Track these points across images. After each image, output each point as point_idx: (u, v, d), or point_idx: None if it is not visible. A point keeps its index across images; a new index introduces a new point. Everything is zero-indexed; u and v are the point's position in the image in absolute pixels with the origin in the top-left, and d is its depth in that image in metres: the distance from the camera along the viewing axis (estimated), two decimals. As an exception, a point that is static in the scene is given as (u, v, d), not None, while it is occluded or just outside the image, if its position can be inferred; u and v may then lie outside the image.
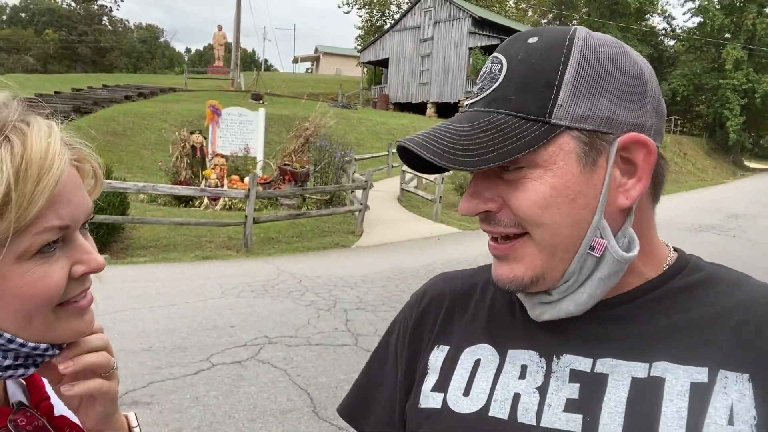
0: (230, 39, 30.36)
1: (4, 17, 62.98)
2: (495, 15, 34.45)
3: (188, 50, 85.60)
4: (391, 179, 16.40)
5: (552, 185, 0.58)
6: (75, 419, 0.70)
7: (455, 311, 0.75)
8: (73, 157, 0.60)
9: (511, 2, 47.70)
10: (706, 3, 37.93)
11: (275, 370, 4.20)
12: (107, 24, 60.90)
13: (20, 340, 0.57)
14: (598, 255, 0.60)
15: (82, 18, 57.98)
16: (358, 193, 11.19)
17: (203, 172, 11.72)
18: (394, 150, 16.23)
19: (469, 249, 9.50)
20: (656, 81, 0.64)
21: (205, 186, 11.07)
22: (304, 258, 8.65)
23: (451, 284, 0.79)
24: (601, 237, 0.60)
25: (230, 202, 10.99)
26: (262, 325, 5.19)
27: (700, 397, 0.55)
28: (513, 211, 0.60)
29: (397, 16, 37.33)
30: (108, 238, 8.47)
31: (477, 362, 0.69)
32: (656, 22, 49.43)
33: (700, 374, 0.57)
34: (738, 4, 37.90)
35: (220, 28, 31.46)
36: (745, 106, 37.36)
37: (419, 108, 31.26)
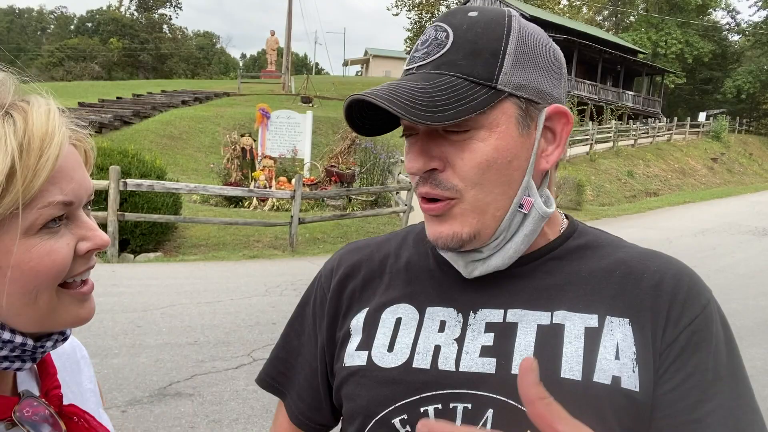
0: (282, 44, 31.04)
1: (72, 27, 66.69)
2: (546, 13, 33.75)
3: (243, 56, 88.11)
4: (438, 180, 16.33)
5: (495, 147, 0.64)
6: (85, 408, 0.70)
7: (373, 277, 0.79)
8: (74, 137, 0.62)
9: (563, 0, 46.59)
10: (774, -5, 35.89)
11: (313, 366, 4.27)
12: (167, 32, 63.42)
13: (7, 335, 0.58)
14: (526, 212, 0.68)
15: (144, 27, 60.66)
16: (403, 194, 11.21)
17: (252, 174, 12.02)
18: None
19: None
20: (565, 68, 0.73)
21: (254, 187, 11.35)
22: (348, 258, 8.73)
23: (366, 251, 0.83)
24: (529, 195, 0.68)
25: (278, 203, 11.23)
26: (303, 322, 5.27)
27: (592, 338, 0.65)
28: (456, 170, 0.65)
29: (446, 17, 37.19)
30: (161, 237, 8.82)
31: (398, 320, 0.73)
32: (719, 16, 47.17)
33: (592, 320, 0.66)
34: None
35: (272, 33, 32.16)
36: (818, 102, 35.12)
37: (468, 109, 30.99)
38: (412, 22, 45.47)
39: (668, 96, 40.20)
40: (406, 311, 0.74)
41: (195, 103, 22.70)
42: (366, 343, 0.74)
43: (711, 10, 42.92)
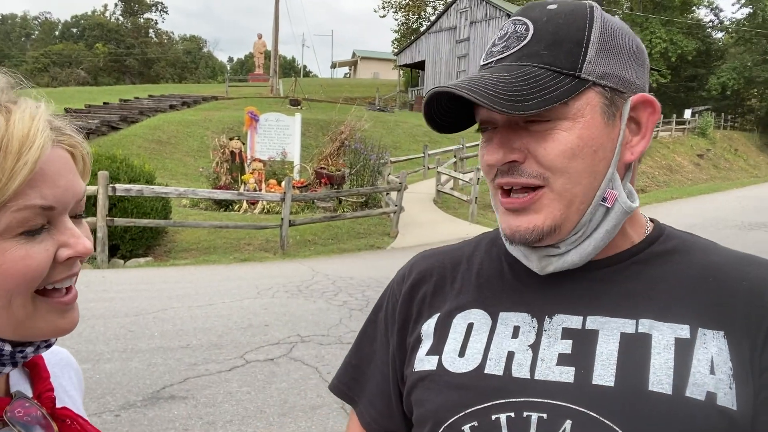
0: (270, 47, 31.00)
1: (56, 33, 66.15)
2: (533, 13, 33.98)
3: (230, 59, 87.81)
4: (427, 181, 16.38)
5: (579, 136, 0.62)
6: (78, 411, 0.70)
7: (444, 283, 0.78)
8: (66, 142, 0.60)
9: None
10: (757, -8, 36.40)
11: (306, 367, 4.29)
12: (153, 36, 63.15)
13: None
14: (609, 206, 0.65)
15: (130, 31, 60.31)
16: (393, 195, 11.25)
17: (242, 177, 12.01)
18: (430, 150, 16.01)
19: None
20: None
21: (244, 190, 11.34)
22: (338, 259, 8.76)
23: (438, 259, 0.82)
24: (613, 188, 0.65)
25: (268, 206, 11.23)
26: (295, 324, 5.29)
27: (684, 350, 0.61)
28: (539, 160, 0.63)
29: (432, 18, 37.29)
30: (151, 242, 8.80)
31: (470, 326, 0.71)
32: (703, 14, 47.72)
33: (683, 331, 0.62)
34: (791, -8, 36.22)
35: (260, 36, 32.12)
36: (800, 98, 35.62)
37: (456, 109, 31.11)
38: (400, 23, 45.58)
39: (654, 94, 40.44)
40: (478, 316, 0.72)
41: (183, 107, 22.60)
42: (437, 348, 0.72)
43: (694, 7, 43.41)
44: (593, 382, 0.61)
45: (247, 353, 4.52)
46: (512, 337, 0.68)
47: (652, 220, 0.75)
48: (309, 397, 3.80)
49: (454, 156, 17.04)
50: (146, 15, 63.53)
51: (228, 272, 7.64)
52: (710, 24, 45.71)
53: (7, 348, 0.59)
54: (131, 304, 5.70)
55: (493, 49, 0.67)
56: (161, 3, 63.49)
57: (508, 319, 0.69)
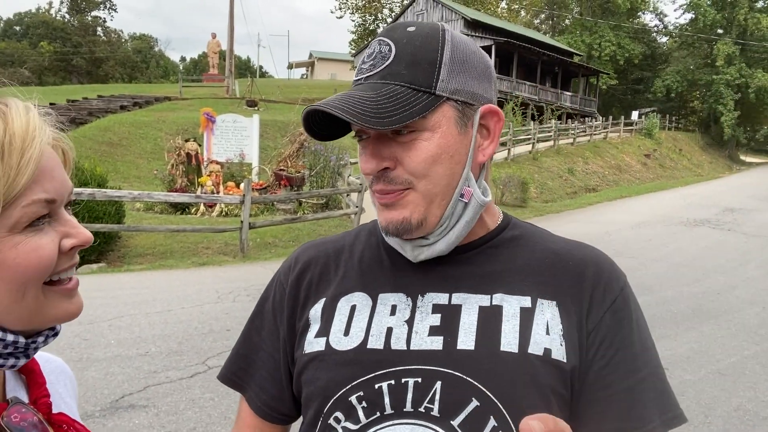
0: (224, 47, 30.46)
1: (-2, 31, 63.12)
2: (487, 16, 34.58)
3: (183, 59, 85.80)
4: (387, 182, 16.44)
5: (438, 145, 0.72)
6: (75, 416, 0.70)
7: (329, 270, 0.85)
8: (52, 137, 0.63)
9: (503, 4, 47.84)
10: (697, 0, 38.08)
11: (271, 371, 4.24)
12: (101, 35, 61.00)
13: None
14: (466, 201, 0.76)
15: (76, 29, 58.08)
16: (354, 196, 11.24)
17: (199, 180, 11.76)
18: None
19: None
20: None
21: (201, 193, 11.11)
22: (300, 262, 8.68)
23: (321, 248, 0.89)
24: (468, 186, 0.76)
25: (226, 209, 11.03)
26: (258, 328, 5.22)
27: (527, 317, 0.74)
28: (406, 167, 0.73)
29: (389, 20, 37.43)
30: (104, 247, 8.51)
31: (353, 307, 0.80)
32: (648, 19, 49.59)
33: (526, 302, 0.76)
34: (729, 0, 38.05)
35: (214, 36, 31.54)
36: (738, 101, 37.47)
37: (414, 111, 31.33)
38: (356, 24, 45.57)
39: (603, 96, 41.94)
40: (360, 299, 0.80)
41: (134, 108, 21.96)
42: (324, 330, 0.79)
43: (640, 13, 45.11)
44: (458, 348, 0.72)
45: (209, 359, 4.43)
46: (390, 315, 0.77)
47: (503, 212, 0.88)
48: (274, 401, 3.76)
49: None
50: (94, 13, 61.32)
51: (186, 277, 7.47)
52: (655, 29, 47.59)
53: (21, 340, 0.61)
54: (85, 311, 5.38)
55: (362, 66, 0.75)
56: (110, 1, 61.46)
57: (387, 300, 0.79)
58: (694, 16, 40.03)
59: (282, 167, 12.34)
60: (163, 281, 7.16)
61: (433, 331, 0.74)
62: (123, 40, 65.83)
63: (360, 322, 0.77)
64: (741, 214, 15.33)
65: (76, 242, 0.62)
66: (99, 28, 61.23)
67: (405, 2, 37.22)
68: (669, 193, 21.09)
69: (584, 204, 17.07)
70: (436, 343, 0.73)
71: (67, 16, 60.20)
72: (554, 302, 0.76)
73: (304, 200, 11.74)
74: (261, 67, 72.87)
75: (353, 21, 46.13)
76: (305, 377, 0.78)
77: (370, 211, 11.76)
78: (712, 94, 38.08)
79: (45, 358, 0.77)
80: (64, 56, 55.36)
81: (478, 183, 0.78)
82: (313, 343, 0.79)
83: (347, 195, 11.83)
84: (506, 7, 48.53)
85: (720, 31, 38.73)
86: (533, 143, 21.80)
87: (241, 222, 8.90)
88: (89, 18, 60.63)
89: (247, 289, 6.69)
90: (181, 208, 11.14)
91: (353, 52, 41.02)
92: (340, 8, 44.42)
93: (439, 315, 0.75)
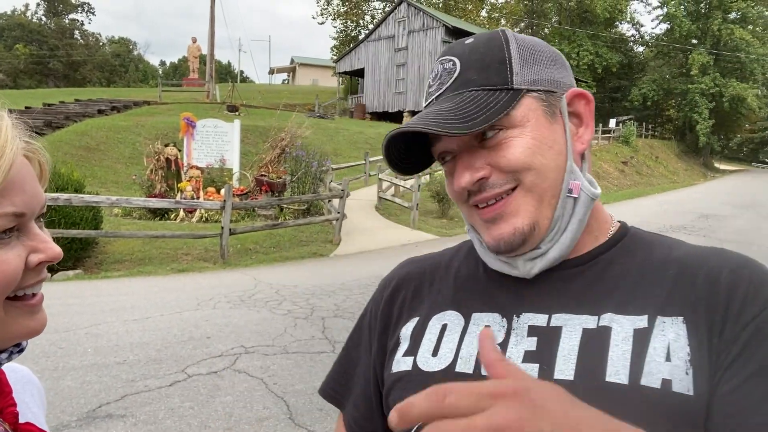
0: (205, 51, 30.24)
1: (-28, 33, 61.80)
2: (468, 24, 34.90)
3: (162, 63, 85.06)
4: (369, 188, 16.44)
5: (533, 137, 0.67)
6: (41, 425, 0.69)
7: (423, 288, 0.81)
8: (26, 149, 0.61)
9: (483, 12, 48.35)
10: (673, 10, 38.90)
11: (252, 379, 4.19)
12: (79, 38, 60.09)
13: None
14: (576, 196, 0.69)
15: (53, 32, 57.13)
16: (336, 202, 11.21)
17: (178, 185, 11.63)
18: (371, 157, 16.04)
19: (446, 255, 9.57)
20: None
21: (181, 198, 10.98)
22: (281, 268, 8.63)
23: (417, 265, 0.86)
24: (575, 179, 0.69)
25: (206, 214, 10.92)
26: (239, 335, 5.17)
27: (641, 340, 0.62)
28: (503, 168, 0.67)
29: (371, 27, 37.58)
30: (81, 253, 8.35)
31: (444, 326, 0.74)
32: (625, 29, 50.52)
33: (642, 321, 0.63)
34: (703, 11, 38.94)
35: (194, 40, 31.28)
36: (713, 109, 38.28)
37: (396, 117, 31.44)
38: (338, 30, 45.64)
39: (582, 103, 42.33)
40: (452, 318, 0.75)
41: (113, 112, 21.68)
42: (412, 350, 0.75)
43: (617, 23, 45.89)
44: (554, 377, 0.63)
45: (188, 367, 4.37)
46: None
47: (619, 221, 0.78)
48: (255, 409, 3.72)
49: (395, 163, 17.18)
50: (71, 15, 60.38)
51: (165, 284, 7.36)
52: (632, 38, 48.49)
53: None
54: (61, 319, 5.38)
55: (429, 90, 0.72)
56: (87, 3, 60.60)
57: (480, 320, 0.72)
58: (670, 26, 40.86)
59: (263, 173, 12.27)
60: (141, 288, 7.05)
61: (528, 357, 0.66)
62: (101, 44, 64.94)
63: (450, 342, 0.72)
64: (715, 220, 15.63)
65: (43, 258, 0.60)
66: (76, 31, 60.31)
67: (387, 9, 37.42)
68: (646, 199, 21.43)
69: (564, 210, 17.25)
70: (531, 371, 0.64)
71: (43, 18, 59.23)
72: (680, 318, 0.62)
73: (285, 206, 11.67)
74: (242, 72, 72.53)
75: (335, 27, 46.25)
76: (392, 398, 0.75)
77: (352, 217, 11.75)
78: (687, 102, 38.86)
79: (11, 367, 0.75)
80: (40, 59, 54.41)
81: (584, 176, 0.71)
82: (400, 362, 0.75)
83: (329, 201, 11.80)
84: (486, 15, 49.06)
85: (695, 41, 39.60)
86: (514, 150, 22.01)
87: (222, 228, 8.82)
88: (66, 21, 59.70)
89: (227, 295, 6.62)
90: (160, 214, 11.00)
91: (335, 57, 41.03)
92: (322, 14, 44.47)
93: (535, 339, 0.67)
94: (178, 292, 6.80)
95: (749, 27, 37.98)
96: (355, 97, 34.91)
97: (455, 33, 29.04)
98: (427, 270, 0.84)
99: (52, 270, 7.82)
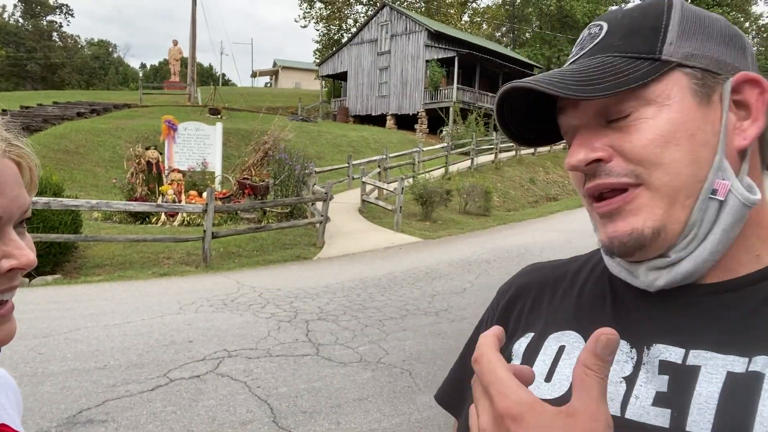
0: (186, 54, 30.01)
1: (-53, 34, 60.55)
2: (450, 28, 35.12)
3: (143, 66, 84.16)
4: (352, 191, 16.44)
5: (669, 120, 0.55)
6: (17, 426, 0.69)
7: (543, 299, 0.72)
8: (15, 153, 0.60)
9: (465, 17, 48.69)
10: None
11: (235, 382, 4.17)
12: (57, 40, 59.21)
13: None
14: (721, 198, 0.55)
15: (31, 34, 56.23)
16: (319, 205, 11.20)
17: (160, 188, 11.52)
18: (354, 160, 15.98)
19: (430, 257, 9.61)
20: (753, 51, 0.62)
21: (162, 202, 10.88)
22: (264, 271, 8.59)
23: (539, 273, 0.77)
24: (724, 179, 0.55)
25: (188, 218, 10.84)
26: (222, 339, 5.14)
27: None
28: (627, 155, 0.56)
29: (354, 30, 37.63)
30: (60, 258, 8.23)
31: (561, 348, 0.64)
32: (605, 34, 51.16)
33: None
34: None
35: (175, 43, 31.03)
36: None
37: (379, 120, 31.49)
38: (321, 34, 45.63)
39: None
40: (571, 339, 0.64)
41: (92, 115, 21.40)
42: None
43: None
44: (687, 429, 0.51)
45: (170, 371, 4.33)
46: None
47: None
48: (239, 412, 3.70)
49: (378, 166, 17.23)
50: (49, 17, 59.50)
51: (147, 288, 7.29)
52: (611, 43, 49.15)
53: None
54: (39, 324, 5.30)
55: (572, 53, 0.63)
56: (66, 5, 59.78)
57: None
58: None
59: (246, 176, 12.22)
60: (122, 292, 6.97)
61: (660, 399, 0.54)
62: (80, 46, 64.06)
63: (566, 368, 0.61)
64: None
65: (15, 264, 0.58)
66: (55, 33, 59.43)
67: (369, 13, 37.51)
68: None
69: (545, 212, 17.43)
70: (662, 417, 0.53)
71: (21, 20, 58.26)
72: None
73: (268, 209, 11.63)
74: (223, 75, 72.11)
75: (318, 30, 46.19)
76: None
77: (335, 220, 11.74)
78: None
79: None
80: (17, 61, 53.51)
81: (739, 177, 0.56)
82: None
83: (312, 204, 11.78)
84: (468, 20, 49.43)
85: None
86: (496, 153, 22.19)
87: (204, 231, 8.76)
88: (44, 23, 58.81)
89: (210, 299, 6.57)
90: (141, 218, 10.88)
91: (318, 61, 40.99)
92: (305, 18, 44.41)
93: (666, 377, 0.55)
94: (160, 296, 6.73)
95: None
96: (338, 100, 34.91)
97: (438, 37, 29.22)
98: (549, 280, 0.73)
99: (30, 275, 7.70)
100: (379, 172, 16.68)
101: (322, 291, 7.14)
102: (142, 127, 18.17)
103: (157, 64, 76.87)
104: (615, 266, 0.64)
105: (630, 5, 0.61)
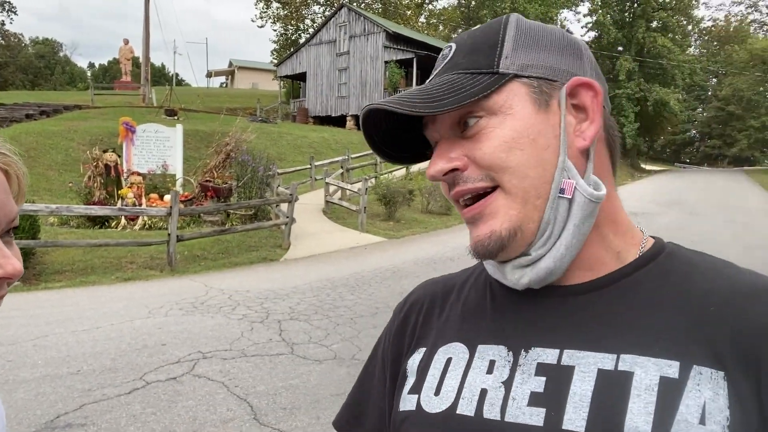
0: (138, 53, 29.29)
1: None
2: (408, 30, 35.45)
3: (91, 65, 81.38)
4: (315, 192, 16.46)
5: (512, 127, 0.59)
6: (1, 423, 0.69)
7: (433, 314, 0.73)
8: (1, 161, 0.59)
9: (422, 18, 49.19)
10: (601, 18, 40.90)
11: (212, 383, 4.22)
12: (0, 39, 56.65)
13: None
14: (569, 197, 0.59)
15: (-30, 32, 53.67)
16: (284, 206, 11.20)
17: (119, 192, 11.29)
18: (316, 161, 15.95)
19: (395, 257, 9.78)
20: (591, 55, 0.66)
21: (122, 205, 10.67)
22: (231, 274, 8.57)
23: (431, 288, 0.78)
24: (569, 178, 0.60)
25: (150, 221, 10.67)
26: (195, 341, 5.15)
27: (670, 392, 0.51)
28: (479, 162, 0.60)
29: (312, 31, 37.50)
30: (18, 265, 7.99)
31: (449, 361, 0.66)
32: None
33: (671, 368, 0.53)
34: (628, 20, 41.22)
35: (126, 42, 30.20)
36: (638, 113, 40.52)
37: (339, 121, 31.50)
38: (278, 34, 45.19)
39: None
40: (456, 350, 0.66)
41: (41, 116, 20.66)
42: (417, 387, 0.68)
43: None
44: (563, 427, 0.54)
45: (146, 374, 4.33)
46: (487, 373, 0.61)
47: (653, 237, 0.67)
48: (219, 411, 3.76)
49: (341, 167, 17.30)
50: (-10, 14, 56.86)
51: (112, 293, 7.18)
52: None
53: None
54: (4, 332, 5.18)
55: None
56: (9, 2, 57.21)
57: (486, 353, 0.63)
58: (598, 34, 42.95)
59: (208, 178, 12.10)
60: (86, 298, 6.85)
61: (534, 399, 0.57)
62: (24, 45, 61.46)
63: (452, 379, 0.63)
64: (644, 218, 16.60)
65: (1, 274, 0.56)
66: (-4, 31, 56.81)
67: (327, 14, 37.45)
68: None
69: (504, 210, 17.86)
70: (536, 416, 0.56)
71: (-41, 17, 55.47)
72: (721, 373, 0.51)
73: (232, 211, 11.55)
74: (177, 75, 70.47)
75: (275, 30, 45.74)
76: None
77: (301, 221, 11.77)
78: (615, 106, 40.95)
79: None
80: (-44, 60, 50.94)
81: (585, 176, 0.60)
82: (406, 401, 0.68)
83: (277, 205, 11.77)
84: (425, 21, 49.94)
85: (620, 48, 41.83)
86: (455, 153, 22.57)
87: (169, 235, 8.66)
88: (-15, 20, 56.12)
89: (178, 302, 6.54)
90: (100, 222, 10.64)
91: (275, 61, 40.64)
92: (261, 17, 43.90)
93: (543, 378, 0.57)
94: (127, 300, 6.65)
95: (670, 35, 40.47)
96: (297, 101, 34.72)
97: (396, 38, 29.46)
98: (439, 293, 0.75)
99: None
100: (342, 173, 16.75)
101: (291, 291, 7.19)
102: (96, 129, 17.67)
103: (106, 64, 74.51)
104: (491, 267, 0.67)
105: (477, 27, 0.67)
